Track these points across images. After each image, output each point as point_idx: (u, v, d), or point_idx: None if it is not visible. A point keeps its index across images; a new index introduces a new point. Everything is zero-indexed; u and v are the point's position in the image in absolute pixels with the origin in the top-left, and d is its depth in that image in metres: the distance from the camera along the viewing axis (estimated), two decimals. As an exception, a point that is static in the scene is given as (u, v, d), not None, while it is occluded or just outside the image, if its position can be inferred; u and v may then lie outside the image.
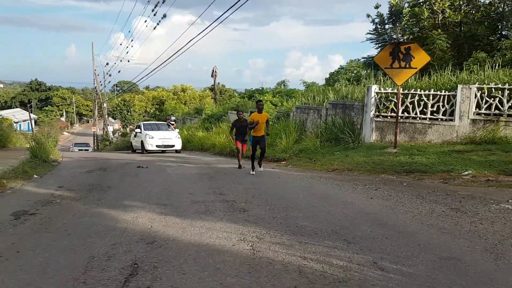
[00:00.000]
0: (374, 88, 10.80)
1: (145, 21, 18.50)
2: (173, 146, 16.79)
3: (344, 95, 13.47)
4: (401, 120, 10.17)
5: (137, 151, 18.02)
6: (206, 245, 3.74)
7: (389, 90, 10.61)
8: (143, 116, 48.89)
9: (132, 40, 24.88)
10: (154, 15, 16.40)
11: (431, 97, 9.97)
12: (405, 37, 22.42)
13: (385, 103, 10.68)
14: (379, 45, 24.03)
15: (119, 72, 33.15)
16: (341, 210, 5.21)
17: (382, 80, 12.56)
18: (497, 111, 9.45)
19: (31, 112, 57.71)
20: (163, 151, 16.72)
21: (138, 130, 17.97)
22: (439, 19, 20.36)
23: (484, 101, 9.49)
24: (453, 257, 3.36)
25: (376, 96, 10.74)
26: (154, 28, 17.43)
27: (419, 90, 10.23)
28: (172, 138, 17.02)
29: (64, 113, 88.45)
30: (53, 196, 6.47)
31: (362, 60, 26.89)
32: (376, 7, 23.54)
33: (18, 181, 8.03)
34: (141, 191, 6.91)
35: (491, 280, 2.91)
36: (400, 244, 3.69)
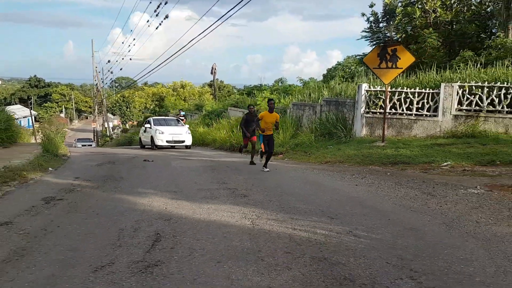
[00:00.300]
0: (364, 86, 11.56)
1: (147, 21, 19.10)
2: (183, 141, 16.62)
3: (338, 92, 14.23)
4: (389, 116, 10.95)
5: (146, 146, 17.82)
6: (214, 221, 4.51)
7: (378, 88, 11.38)
8: (142, 113, 49.48)
9: (134, 40, 25.48)
10: (157, 15, 17.02)
11: (416, 95, 10.75)
12: (398, 36, 23.17)
13: (374, 100, 11.45)
14: (374, 43, 24.78)
15: (121, 69, 33.80)
16: (329, 195, 5.99)
17: (372, 79, 13.33)
18: (477, 107, 10.25)
19: (31, 109, 58.26)
20: (173, 147, 16.55)
21: (147, 125, 17.55)
22: (431, 18, 21.10)
23: (465, 98, 10.28)
24: (415, 228, 4.15)
25: (366, 93, 11.51)
26: (157, 28, 18.07)
27: (405, 88, 11.00)
28: (183, 133, 16.79)
29: (64, 110, 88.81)
30: (72, 185, 7.22)
31: (358, 57, 27.60)
32: (371, 6, 24.22)
33: (37, 173, 8.76)
34: (151, 181, 7.67)
35: (441, 243, 3.69)
36: (373, 219, 4.47)
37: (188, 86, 49.48)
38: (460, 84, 10.28)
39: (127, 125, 57.35)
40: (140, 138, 19.03)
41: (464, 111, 10.27)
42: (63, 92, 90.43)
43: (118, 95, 63.18)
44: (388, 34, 24.18)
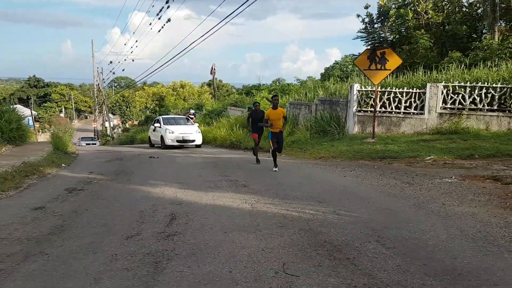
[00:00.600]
0: (356, 86, 12.32)
1: (150, 24, 19.78)
2: (193, 141, 16.32)
3: (332, 92, 14.98)
4: (379, 114, 11.71)
5: (155, 145, 17.61)
6: (219, 205, 5.26)
7: (369, 88, 12.14)
8: (143, 113, 50.17)
9: (136, 41, 26.01)
10: (159, 18, 17.72)
11: (404, 94, 11.52)
12: (392, 36, 23.94)
13: (366, 100, 12.21)
14: (369, 43, 25.55)
15: (123, 70, 34.41)
16: (320, 185, 6.74)
17: (363, 80, 14.08)
18: (460, 106, 11.02)
19: (31, 109, 58.87)
20: (183, 146, 16.29)
21: (157, 124, 17.23)
22: (423, 19, 21.89)
23: (449, 97, 11.04)
24: (389, 209, 4.91)
25: (358, 93, 12.27)
26: (159, 31, 18.76)
27: (394, 88, 11.77)
28: (193, 132, 16.51)
29: (63, 109, 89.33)
30: (89, 178, 7.97)
31: (354, 57, 28.36)
32: (366, 7, 25.00)
33: (52, 168, 9.50)
34: (159, 174, 8.42)
35: (408, 219, 4.44)
36: (355, 202, 5.23)
37: (187, 86, 50.20)
38: (444, 84, 11.05)
39: (127, 124, 58.02)
40: (149, 137, 18.90)
41: (448, 109, 11.04)
42: (62, 92, 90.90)
43: (118, 95, 63.80)
44: (383, 35, 24.97)
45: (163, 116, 18.92)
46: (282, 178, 7.62)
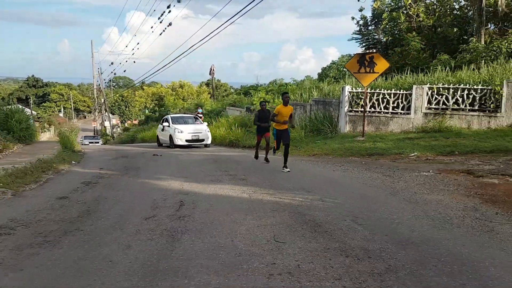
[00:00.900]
0: (347, 88, 13.11)
1: (151, 27, 20.48)
2: (203, 140, 16.17)
3: (326, 93, 15.77)
4: (369, 114, 12.50)
5: (163, 145, 17.52)
6: (221, 194, 6.03)
7: (359, 90, 12.93)
8: (142, 113, 50.83)
9: (138, 44, 26.64)
10: (160, 22, 18.44)
11: (392, 95, 12.31)
12: (385, 38, 24.75)
13: (356, 101, 13.00)
14: (364, 44, 26.35)
15: (124, 71, 35.13)
16: (310, 178, 7.52)
17: (354, 81, 14.87)
18: (444, 106, 11.82)
19: (31, 109, 59.46)
20: (192, 146, 16.11)
21: (166, 123, 17.05)
22: (415, 22, 22.68)
23: (434, 98, 11.84)
24: (367, 196, 5.69)
25: (349, 94, 13.05)
26: (160, 34, 19.47)
27: (383, 89, 12.56)
28: (202, 132, 16.37)
29: (62, 109, 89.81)
30: (100, 173, 8.71)
31: (350, 57, 29.15)
32: (360, 10, 25.78)
33: (64, 165, 10.24)
34: (165, 170, 9.17)
35: (382, 204, 5.22)
36: (339, 192, 6.01)
37: (186, 86, 50.93)
38: (429, 86, 11.85)
39: (126, 124, 58.65)
40: (157, 136, 18.68)
41: (433, 109, 11.85)
42: (61, 92, 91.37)
43: (118, 95, 64.43)
44: (377, 37, 25.79)
45: (171, 115, 18.71)
46: (277, 172, 8.39)
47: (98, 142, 28.57)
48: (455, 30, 21.73)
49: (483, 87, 11.61)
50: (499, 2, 18.45)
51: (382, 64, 11.33)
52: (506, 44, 16.20)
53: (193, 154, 13.30)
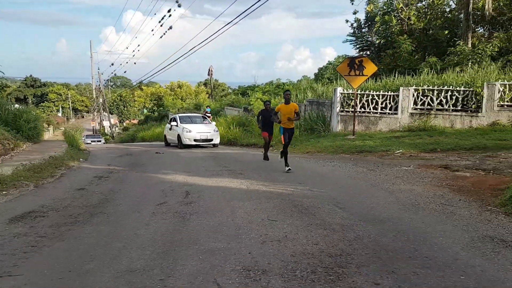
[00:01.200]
0: (339, 89, 13.90)
1: (152, 30, 21.17)
2: (211, 140, 15.88)
3: (320, 94, 16.56)
4: (359, 114, 13.30)
5: (171, 144, 17.31)
6: (221, 186, 6.79)
7: (350, 91, 13.73)
8: (141, 113, 51.49)
9: (139, 46, 27.31)
10: (161, 26, 19.15)
11: (381, 96, 13.11)
12: (378, 41, 25.58)
13: (348, 101, 13.80)
14: (358, 46, 27.18)
15: (125, 72, 35.86)
16: (302, 172, 8.30)
17: (345, 84, 15.68)
18: (429, 107, 12.63)
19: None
20: (201, 146, 15.89)
21: (174, 123, 16.76)
22: (406, 25, 23.52)
23: (419, 99, 12.65)
24: (350, 186, 6.48)
25: (341, 96, 13.85)
26: (161, 37, 20.18)
27: (372, 91, 13.36)
28: (211, 131, 16.06)
29: (60, 109, 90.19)
30: (109, 169, 9.46)
31: (345, 57, 29.98)
32: (354, 13, 26.60)
33: (74, 162, 10.96)
34: (168, 166, 9.92)
35: (362, 193, 6.00)
36: (326, 183, 6.79)
37: (185, 86, 51.66)
38: (415, 87, 12.66)
39: (124, 123, 59.31)
40: (165, 135, 18.42)
41: (419, 109, 12.66)
42: (59, 92, 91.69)
43: (116, 94, 65.03)
44: (370, 39, 26.64)
45: (179, 114, 18.57)
46: (273, 168, 9.16)
47: (100, 141, 29.21)
48: (446, 32, 22.55)
49: (466, 89, 12.43)
50: (486, 6, 19.28)
51: (370, 68, 12.12)
52: (491, 47, 17.07)
53: (194, 151, 14.06)
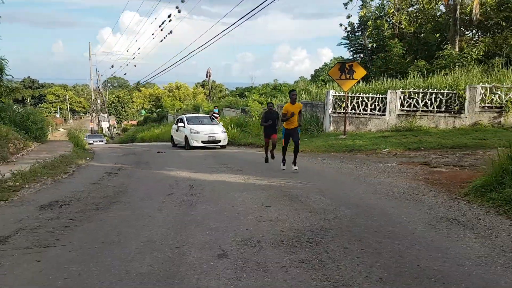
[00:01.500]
0: (331, 92, 14.73)
1: (152, 34, 21.89)
2: (219, 141, 15.68)
3: (314, 96, 17.38)
4: (350, 115, 14.12)
5: (178, 145, 17.22)
6: (221, 180, 7.57)
7: (342, 94, 14.55)
8: (140, 114, 52.16)
9: (139, 48, 27.97)
10: (161, 30, 19.89)
11: (370, 99, 13.93)
12: (370, 44, 26.45)
13: (339, 103, 14.62)
14: (351, 49, 28.05)
15: (125, 74, 36.54)
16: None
17: (336, 87, 16.50)
18: (415, 108, 13.47)
19: (30, 110, 60.47)
20: (208, 147, 15.69)
21: (181, 124, 16.66)
22: (397, 29, 24.40)
23: (406, 101, 13.49)
24: (336, 180, 7.27)
25: (333, 98, 14.67)
26: (161, 41, 20.93)
27: (362, 93, 14.19)
28: (219, 133, 15.87)
29: (58, 110, 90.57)
30: (116, 166, 10.20)
31: (341, 60, 30.87)
32: (348, 17, 27.47)
33: (82, 160, 11.70)
34: (171, 164, 10.68)
35: (346, 184, 6.79)
36: (315, 177, 7.59)
37: (183, 87, 52.40)
38: (402, 90, 13.50)
39: (122, 124, 59.94)
40: (171, 136, 18.38)
41: (405, 111, 13.50)
42: (57, 93, 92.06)
43: (113, 96, 65.63)
44: (363, 43, 27.51)
45: (186, 115, 18.27)
46: (268, 166, 9.95)
47: (102, 141, 29.85)
48: (436, 36, 23.40)
49: (449, 91, 13.28)
50: (474, 11, 20.16)
51: (360, 72, 12.95)
52: (476, 51, 17.94)
53: (194, 151, 14.82)
